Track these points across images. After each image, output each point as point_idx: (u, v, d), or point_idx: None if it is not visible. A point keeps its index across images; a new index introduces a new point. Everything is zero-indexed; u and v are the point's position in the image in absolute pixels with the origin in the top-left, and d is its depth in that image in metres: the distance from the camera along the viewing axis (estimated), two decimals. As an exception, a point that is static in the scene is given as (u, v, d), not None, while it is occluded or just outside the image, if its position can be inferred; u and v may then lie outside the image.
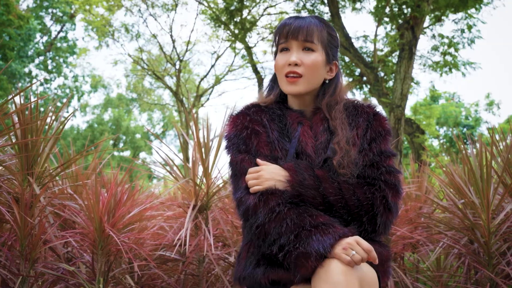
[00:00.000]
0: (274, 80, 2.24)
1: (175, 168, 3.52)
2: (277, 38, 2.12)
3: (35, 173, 2.76)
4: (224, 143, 2.12)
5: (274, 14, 18.33)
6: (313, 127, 2.08)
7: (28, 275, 2.62)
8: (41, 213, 2.70)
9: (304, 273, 1.77)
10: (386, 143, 2.06)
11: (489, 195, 3.13)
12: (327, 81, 2.16)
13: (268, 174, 1.92)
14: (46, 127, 2.97)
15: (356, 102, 2.16)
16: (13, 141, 2.84)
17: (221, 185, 3.42)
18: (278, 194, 1.90)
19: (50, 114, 3.04)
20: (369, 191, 1.93)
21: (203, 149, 3.38)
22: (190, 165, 3.42)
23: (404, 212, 3.69)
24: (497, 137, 3.54)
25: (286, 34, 2.07)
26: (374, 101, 15.41)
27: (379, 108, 2.15)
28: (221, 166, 3.45)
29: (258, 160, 1.98)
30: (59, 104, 29.55)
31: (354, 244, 1.73)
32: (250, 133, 2.04)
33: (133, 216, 2.95)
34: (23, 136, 2.81)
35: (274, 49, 2.17)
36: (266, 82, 2.29)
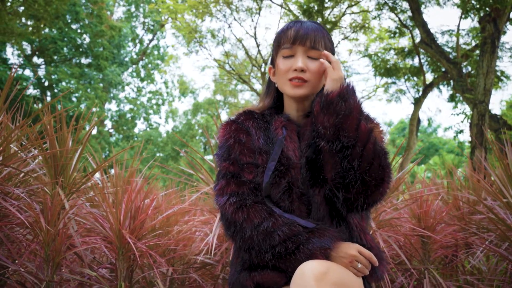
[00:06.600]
0: (269, 86, 2.23)
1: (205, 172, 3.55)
2: (280, 42, 2.08)
3: (59, 182, 2.88)
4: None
5: (356, 13, 18.09)
6: (302, 130, 2.07)
7: (51, 280, 2.73)
8: (63, 219, 2.81)
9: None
10: None
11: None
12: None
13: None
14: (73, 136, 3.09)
15: None
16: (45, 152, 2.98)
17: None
18: (259, 207, 1.91)
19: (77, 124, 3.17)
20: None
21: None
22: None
23: (444, 213, 3.55)
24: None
25: (293, 39, 2.03)
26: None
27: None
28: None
29: None
30: (151, 112, 30.55)
31: (358, 256, 1.82)
32: (234, 142, 2.05)
33: (157, 222, 3.01)
34: (51, 146, 2.94)
35: (273, 53, 2.14)
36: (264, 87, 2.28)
